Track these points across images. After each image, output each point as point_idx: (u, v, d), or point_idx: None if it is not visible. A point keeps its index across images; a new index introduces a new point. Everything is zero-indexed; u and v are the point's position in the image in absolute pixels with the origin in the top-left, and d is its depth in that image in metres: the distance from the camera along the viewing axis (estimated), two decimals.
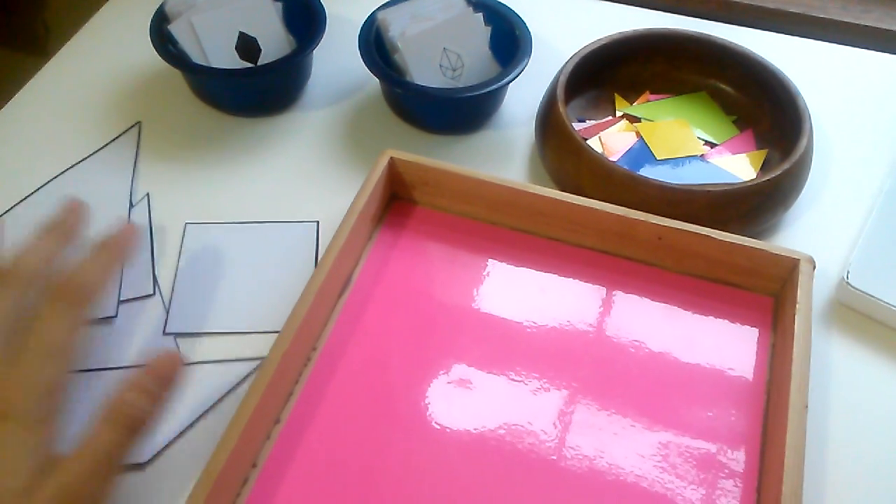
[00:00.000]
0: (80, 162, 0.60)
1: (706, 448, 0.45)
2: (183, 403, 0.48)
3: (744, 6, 0.73)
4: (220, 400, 0.48)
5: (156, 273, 0.54)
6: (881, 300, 0.50)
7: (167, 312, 0.52)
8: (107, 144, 0.61)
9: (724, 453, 0.45)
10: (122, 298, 0.52)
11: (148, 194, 0.58)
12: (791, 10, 0.72)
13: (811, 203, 0.58)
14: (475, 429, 0.46)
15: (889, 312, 0.50)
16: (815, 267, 0.49)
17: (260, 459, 0.45)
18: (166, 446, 0.46)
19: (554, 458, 0.45)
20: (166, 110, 0.65)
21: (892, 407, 0.48)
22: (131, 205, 0.57)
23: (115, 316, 0.51)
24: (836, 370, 0.49)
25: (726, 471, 0.45)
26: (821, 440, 0.46)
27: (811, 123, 0.56)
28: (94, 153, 0.61)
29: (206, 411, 0.47)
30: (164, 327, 0.51)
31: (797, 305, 0.47)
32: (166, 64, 0.60)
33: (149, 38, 0.61)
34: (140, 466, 0.45)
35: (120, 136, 0.62)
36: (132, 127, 0.63)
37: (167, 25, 0.61)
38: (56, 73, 0.68)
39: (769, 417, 0.46)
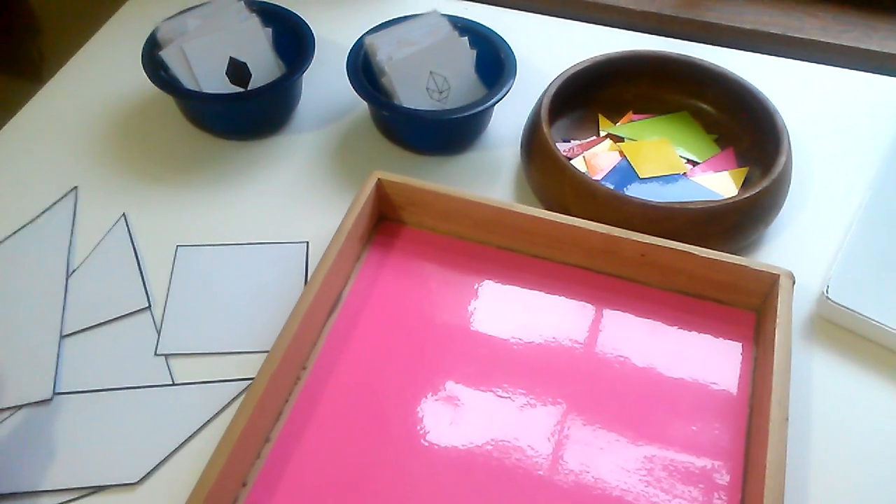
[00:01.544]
0: (15, 233, 0.58)
1: (691, 462, 0.46)
2: (173, 423, 0.48)
3: (724, 27, 0.75)
4: (211, 419, 0.48)
5: (147, 289, 0.55)
6: (860, 314, 0.51)
7: (158, 334, 0.52)
8: (43, 213, 0.59)
9: (709, 467, 0.46)
10: (115, 315, 0.53)
11: (124, 214, 0.59)
12: (771, 31, 0.74)
13: (791, 219, 0.59)
14: (464, 445, 0.47)
15: (868, 326, 0.51)
16: (794, 282, 0.50)
17: (250, 478, 0.45)
18: (157, 466, 0.46)
19: (541, 473, 0.46)
20: (158, 135, 0.66)
21: (872, 419, 0.49)
22: (68, 274, 0.56)
23: (51, 399, 0.49)
24: (818, 383, 0.50)
25: (711, 484, 0.45)
26: (803, 452, 0.47)
27: (790, 141, 0.58)
28: (30, 222, 0.59)
29: (197, 431, 0.48)
30: (156, 348, 0.52)
31: (777, 320, 0.48)
32: (158, 89, 0.61)
33: (141, 64, 0.62)
34: (130, 486, 0.46)
35: (56, 203, 0.60)
36: (69, 192, 0.61)
37: (159, 52, 0.62)
38: (50, 98, 0.69)
39: (752, 431, 0.47)
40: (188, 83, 0.62)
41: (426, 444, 0.47)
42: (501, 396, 0.49)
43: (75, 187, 0.61)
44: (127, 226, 0.59)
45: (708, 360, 0.51)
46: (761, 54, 0.73)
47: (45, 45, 1.05)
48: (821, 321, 0.53)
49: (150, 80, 0.61)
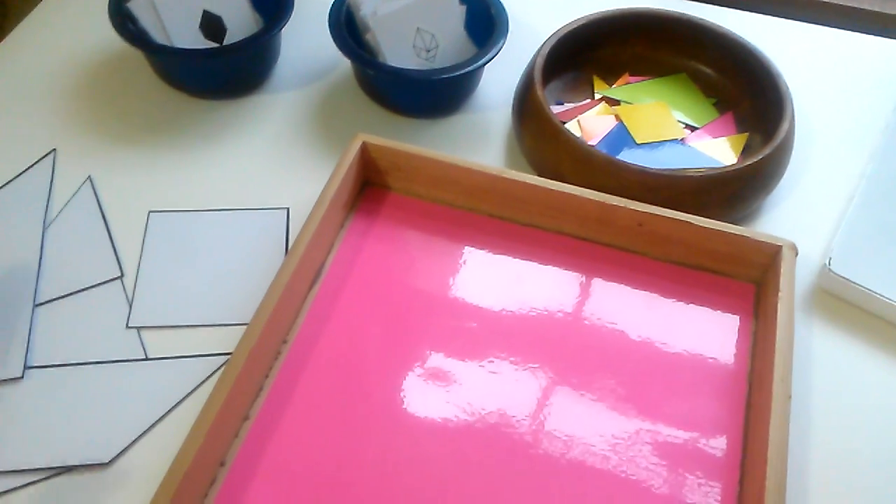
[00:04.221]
0: None
1: (687, 437, 0.44)
2: (147, 400, 0.46)
3: None
4: (187, 397, 0.46)
5: (118, 258, 0.52)
6: (863, 287, 0.49)
7: (130, 305, 0.50)
8: (21, 174, 0.56)
9: (705, 443, 0.44)
10: (84, 286, 0.50)
11: (90, 177, 0.56)
12: None
13: (793, 187, 0.57)
14: (451, 420, 0.45)
15: (871, 299, 0.49)
16: (797, 254, 0.48)
17: (228, 458, 0.43)
18: (129, 445, 0.44)
19: (532, 449, 0.44)
20: (127, 93, 0.62)
21: (874, 393, 0.47)
22: (44, 236, 0.53)
23: (22, 377, 0.46)
24: (819, 357, 0.49)
25: (707, 461, 0.44)
26: (803, 426, 0.46)
27: (793, 106, 0.55)
28: (8, 183, 0.56)
29: (172, 409, 0.46)
30: (127, 321, 0.49)
31: (780, 293, 0.46)
32: (127, 44, 0.57)
33: (108, 17, 0.58)
34: (102, 466, 0.43)
35: (34, 164, 0.57)
36: (47, 155, 0.57)
37: (126, 3, 0.58)
38: (11, 53, 0.65)
39: (751, 407, 0.45)
40: (158, 37, 0.59)
41: (412, 418, 0.45)
42: (491, 370, 0.47)
43: (54, 149, 0.58)
44: (94, 190, 0.55)
45: (705, 333, 0.49)
46: (762, 14, 0.70)
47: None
48: (822, 294, 0.51)
49: (117, 34, 0.57)
